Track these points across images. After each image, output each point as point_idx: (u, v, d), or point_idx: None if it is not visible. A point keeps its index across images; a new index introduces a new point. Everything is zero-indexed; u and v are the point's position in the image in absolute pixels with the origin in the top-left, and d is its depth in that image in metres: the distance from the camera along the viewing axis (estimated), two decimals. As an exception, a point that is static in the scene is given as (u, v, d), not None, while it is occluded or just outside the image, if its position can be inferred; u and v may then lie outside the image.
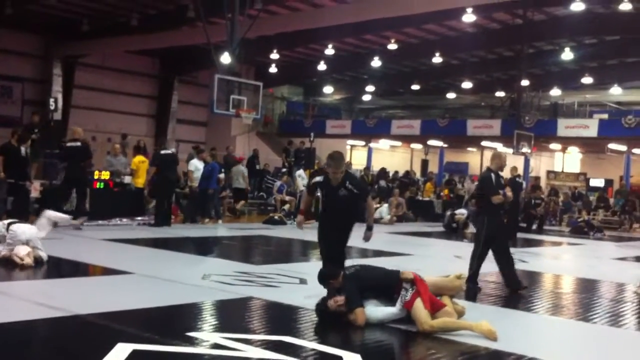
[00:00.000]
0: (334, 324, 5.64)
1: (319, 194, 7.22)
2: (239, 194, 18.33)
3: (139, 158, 15.30)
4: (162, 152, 14.40)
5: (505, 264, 8.09)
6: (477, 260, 8.03)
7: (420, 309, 5.56)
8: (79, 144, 12.70)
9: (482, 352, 5.13)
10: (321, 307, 5.85)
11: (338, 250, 6.92)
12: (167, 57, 26.02)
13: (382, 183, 22.78)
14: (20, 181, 12.15)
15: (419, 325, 5.52)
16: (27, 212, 12.26)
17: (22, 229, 8.03)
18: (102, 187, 14.38)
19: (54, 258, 8.14)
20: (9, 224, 8.07)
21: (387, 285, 5.87)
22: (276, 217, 16.58)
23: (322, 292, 6.10)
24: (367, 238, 7.05)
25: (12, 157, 12.15)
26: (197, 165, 15.35)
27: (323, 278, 6.20)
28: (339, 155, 6.84)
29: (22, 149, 12.31)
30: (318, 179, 7.09)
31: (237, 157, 20.06)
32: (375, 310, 5.70)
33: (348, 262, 6.85)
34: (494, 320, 5.62)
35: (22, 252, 7.70)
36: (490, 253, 8.11)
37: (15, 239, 7.84)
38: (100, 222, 13.08)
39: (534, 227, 19.84)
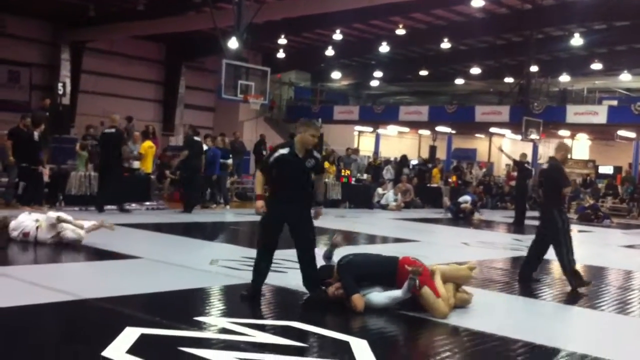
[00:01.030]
0: (339, 310, 5.65)
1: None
2: None
3: (148, 143, 15.30)
4: (195, 137, 14.44)
5: (538, 254, 7.93)
6: (571, 254, 7.56)
7: (432, 297, 5.57)
8: (113, 130, 12.89)
9: (489, 339, 5.13)
10: (322, 295, 5.86)
11: (311, 236, 6.06)
12: (174, 42, 25.96)
13: (406, 170, 22.69)
14: (32, 165, 12.20)
15: (437, 313, 5.54)
16: (41, 197, 12.34)
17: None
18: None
19: (63, 242, 8.20)
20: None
21: (386, 271, 5.84)
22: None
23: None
24: (317, 215, 6.12)
25: (23, 142, 12.18)
26: (200, 151, 15.36)
27: (318, 283, 6.07)
28: (311, 119, 6.20)
29: (35, 134, 12.33)
30: (283, 151, 5.90)
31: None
32: (379, 295, 5.69)
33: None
34: (502, 306, 5.62)
35: (87, 224, 8.52)
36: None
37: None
38: (109, 207, 13.12)
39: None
